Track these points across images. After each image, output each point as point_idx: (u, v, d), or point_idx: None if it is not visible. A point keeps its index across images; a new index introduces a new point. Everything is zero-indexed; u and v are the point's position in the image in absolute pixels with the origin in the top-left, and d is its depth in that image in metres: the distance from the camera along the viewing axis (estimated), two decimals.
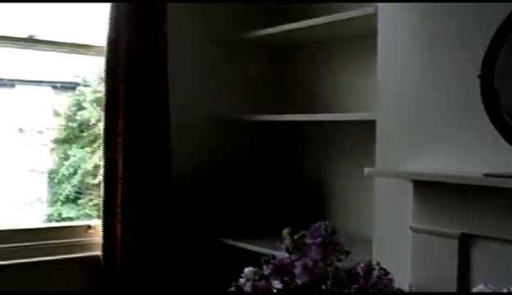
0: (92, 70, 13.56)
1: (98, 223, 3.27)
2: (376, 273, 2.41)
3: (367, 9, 3.10)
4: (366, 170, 2.85)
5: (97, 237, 3.25)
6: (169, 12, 3.31)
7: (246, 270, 2.39)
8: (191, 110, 3.58)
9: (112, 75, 3.18)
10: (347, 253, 2.42)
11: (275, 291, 2.32)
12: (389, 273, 2.43)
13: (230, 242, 3.42)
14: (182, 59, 3.49)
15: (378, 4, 3.00)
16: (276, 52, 3.89)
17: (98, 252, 3.22)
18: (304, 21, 3.36)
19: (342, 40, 3.60)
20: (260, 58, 3.87)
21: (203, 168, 3.62)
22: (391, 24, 2.99)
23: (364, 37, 3.34)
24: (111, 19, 3.16)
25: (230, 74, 3.76)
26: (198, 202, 3.60)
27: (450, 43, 2.78)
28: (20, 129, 14.91)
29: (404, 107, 2.90)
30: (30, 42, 3.41)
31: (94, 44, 3.50)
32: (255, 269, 2.38)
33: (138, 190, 3.21)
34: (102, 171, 3.19)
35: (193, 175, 3.57)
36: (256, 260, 2.41)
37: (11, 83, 14.34)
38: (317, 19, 3.31)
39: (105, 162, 3.16)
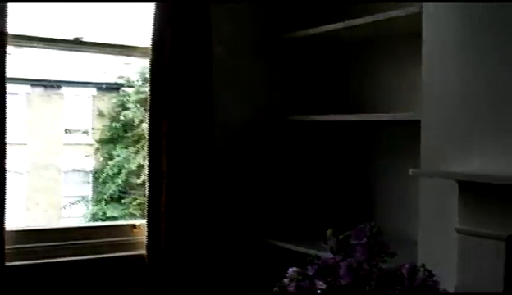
0: (136, 71, 13.73)
1: (142, 222, 3.29)
2: (421, 274, 2.39)
3: (411, 9, 3.08)
4: (411, 170, 2.83)
5: (142, 236, 3.28)
6: (212, 12, 3.33)
7: (290, 270, 2.39)
8: (237, 110, 3.58)
9: (157, 76, 3.21)
10: (392, 254, 2.40)
11: (319, 291, 2.31)
12: (434, 275, 2.41)
13: (278, 243, 3.42)
14: (226, 58, 3.50)
15: (422, 4, 2.98)
16: (320, 51, 3.88)
17: (143, 251, 3.25)
18: (348, 21, 3.34)
19: (386, 39, 3.58)
20: (304, 58, 3.86)
21: (249, 168, 3.63)
22: (435, 24, 2.96)
23: (408, 36, 3.32)
24: (155, 20, 3.19)
25: (273, 74, 3.76)
26: (246, 203, 3.61)
27: (493, 42, 2.75)
28: (66, 130, 15.20)
29: (449, 107, 2.88)
30: (76, 44, 3.45)
31: (139, 45, 3.53)
32: (299, 269, 2.38)
33: (182, 189, 3.24)
34: (146, 171, 3.22)
35: (239, 176, 3.58)
36: (303, 260, 2.41)
37: (57, 84, 14.63)
38: (361, 18, 3.30)
39: (149, 162, 3.19)
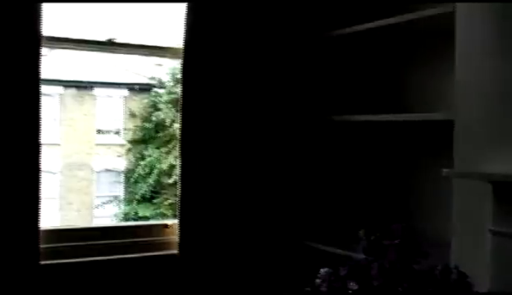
0: (167, 72, 13.74)
1: (174, 222, 3.31)
2: (454, 276, 2.37)
3: (444, 8, 3.05)
4: (444, 171, 2.81)
5: (174, 236, 3.29)
6: (251, 10, 3.31)
7: (322, 270, 2.39)
8: (279, 109, 3.55)
9: (189, 77, 3.22)
10: (425, 255, 2.38)
11: (350, 292, 2.31)
12: (467, 276, 2.39)
13: (316, 245, 3.41)
14: (268, 57, 3.47)
15: (456, 3, 2.95)
16: (364, 49, 3.83)
17: (175, 251, 3.27)
18: (381, 20, 3.32)
19: (419, 38, 3.55)
20: (346, 57, 3.82)
21: (290, 169, 3.60)
22: (469, 23, 2.93)
23: (441, 35, 3.29)
24: (187, 20, 3.19)
25: (315, 73, 3.72)
26: (286, 204, 3.59)
27: None
28: (99, 130, 15.30)
29: (483, 107, 2.85)
30: (109, 45, 3.47)
31: (171, 46, 3.55)
32: (331, 270, 2.38)
33: (214, 189, 3.24)
34: (178, 171, 3.23)
35: (280, 176, 3.56)
36: (340, 263, 2.40)
37: (89, 85, 14.73)
38: (394, 18, 3.27)
39: (182, 162, 3.20)
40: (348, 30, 3.48)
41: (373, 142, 3.80)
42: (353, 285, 2.33)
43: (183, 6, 3.19)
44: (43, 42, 2.79)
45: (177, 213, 3.21)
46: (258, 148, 3.40)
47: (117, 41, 3.47)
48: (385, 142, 3.76)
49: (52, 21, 3.15)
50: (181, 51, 3.19)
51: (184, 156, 3.20)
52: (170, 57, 3.54)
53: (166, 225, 3.36)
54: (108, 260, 3.13)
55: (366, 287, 2.32)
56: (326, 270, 2.39)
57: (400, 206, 3.59)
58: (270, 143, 3.47)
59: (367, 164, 3.84)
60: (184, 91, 3.19)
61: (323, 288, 2.31)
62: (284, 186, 3.52)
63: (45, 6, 2.77)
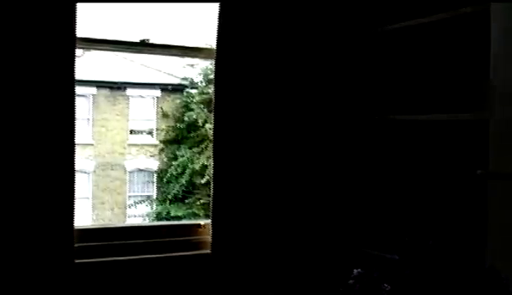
0: (199, 73, 13.76)
1: (207, 222, 3.31)
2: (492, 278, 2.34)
3: (478, 7, 3.01)
4: (479, 171, 2.77)
5: (206, 236, 3.30)
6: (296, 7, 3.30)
7: (355, 271, 2.38)
8: (332, 108, 3.52)
9: (222, 77, 3.22)
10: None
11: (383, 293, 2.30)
12: (503, 278, 2.35)
13: (373, 252, 3.37)
14: (318, 55, 3.44)
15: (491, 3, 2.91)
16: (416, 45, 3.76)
17: (208, 251, 3.28)
18: (420, 19, 3.27)
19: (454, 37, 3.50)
20: (399, 52, 3.74)
21: (345, 170, 3.57)
22: (503, 22, 2.89)
23: (474, 35, 3.25)
24: (219, 20, 3.20)
25: (369, 71, 3.66)
26: (341, 207, 3.56)
27: None
28: (131, 131, 15.40)
29: None
30: (143, 46, 3.50)
31: (204, 47, 3.55)
32: (363, 270, 2.37)
33: (247, 189, 3.24)
34: (210, 171, 3.24)
35: (333, 178, 3.54)
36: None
37: (122, 86, 14.85)
38: (429, 17, 3.24)
39: (215, 162, 3.20)
40: (400, 25, 3.41)
41: (416, 141, 3.71)
42: (386, 286, 2.32)
43: (215, 6, 3.19)
44: (78, 43, 2.82)
45: (210, 213, 3.21)
46: (294, 148, 3.39)
47: (151, 42, 3.49)
48: (424, 142, 3.69)
49: (87, 23, 3.18)
50: (214, 51, 3.19)
51: (217, 156, 3.20)
52: (203, 58, 3.55)
53: (199, 225, 3.37)
54: (141, 259, 3.15)
55: (399, 288, 2.30)
56: (358, 270, 2.38)
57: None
58: (308, 143, 3.45)
59: (413, 164, 3.76)
60: (217, 91, 3.19)
61: (356, 288, 2.30)
62: (317, 186, 3.51)
63: (80, 7, 2.79)
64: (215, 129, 3.19)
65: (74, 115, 2.78)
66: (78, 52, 2.85)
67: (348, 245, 3.53)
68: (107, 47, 3.50)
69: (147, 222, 13.21)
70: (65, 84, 2.73)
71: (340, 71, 3.56)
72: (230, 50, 3.18)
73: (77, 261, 2.85)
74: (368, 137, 3.68)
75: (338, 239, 3.52)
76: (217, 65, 3.18)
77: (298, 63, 3.38)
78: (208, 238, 3.23)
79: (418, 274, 2.26)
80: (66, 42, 2.74)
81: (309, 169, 3.46)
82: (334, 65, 3.52)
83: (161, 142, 14.21)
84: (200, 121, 12.59)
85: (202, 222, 3.36)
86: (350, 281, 2.36)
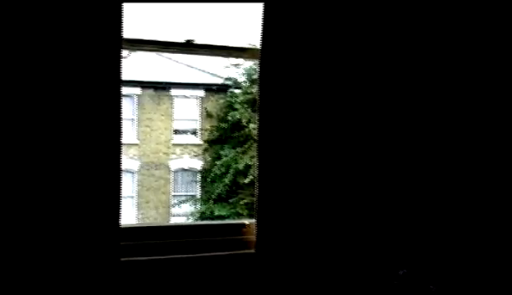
0: (242, 73, 13.79)
1: (252, 221, 3.32)
2: None
3: None
4: None
5: (251, 235, 3.31)
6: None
7: (400, 271, 2.37)
8: (373, 109, 3.49)
9: (266, 77, 3.22)
10: None
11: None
12: None
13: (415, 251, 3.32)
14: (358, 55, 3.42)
15: None
16: None
17: (252, 250, 3.28)
18: None
19: None
20: None
21: (372, 169, 3.55)
22: None
23: None
24: (264, 20, 3.19)
25: None
26: (360, 204, 3.54)
27: None
28: (176, 130, 15.52)
29: None
30: (188, 47, 3.51)
31: (248, 47, 3.56)
32: (409, 271, 2.36)
33: (292, 189, 3.24)
34: (255, 171, 3.24)
35: (360, 177, 3.51)
36: None
37: (166, 86, 14.96)
38: None
39: (259, 162, 3.20)
40: None
41: None
42: (432, 288, 2.30)
43: (259, 5, 3.19)
44: (124, 44, 2.85)
45: (255, 212, 3.22)
46: (338, 147, 3.36)
47: (196, 42, 3.50)
48: None
49: (132, 24, 3.21)
50: (258, 51, 3.18)
51: (261, 155, 3.20)
52: (247, 58, 3.55)
53: (243, 225, 3.37)
54: (186, 258, 3.16)
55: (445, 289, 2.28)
56: (404, 270, 2.37)
57: None
58: (352, 142, 3.42)
59: None
60: (261, 91, 3.19)
61: (402, 289, 2.29)
62: (361, 185, 3.48)
63: (125, 9, 2.82)
64: (259, 128, 3.19)
65: (120, 116, 2.80)
66: (124, 52, 2.88)
67: (393, 245, 3.50)
68: (153, 48, 3.52)
69: (191, 221, 13.30)
70: (111, 85, 2.76)
71: (377, 69, 3.53)
72: (274, 50, 3.18)
73: (123, 259, 2.88)
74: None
75: (383, 239, 3.50)
76: (261, 65, 3.17)
77: (342, 62, 3.36)
78: (253, 237, 3.23)
79: (463, 276, 2.23)
80: (113, 43, 2.77)
81: (354, 168, 3.44)
82: (375, 66, 3.50)
83: (205, 141, 14.30)
84: (244, 121, 12.64)
85: (246, 221, 3.36)
86: (395, 282, 2.35)
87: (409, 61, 3.49)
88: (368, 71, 3.44)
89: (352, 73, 3.40)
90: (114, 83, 2.77)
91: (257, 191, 3.18)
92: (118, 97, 2.80)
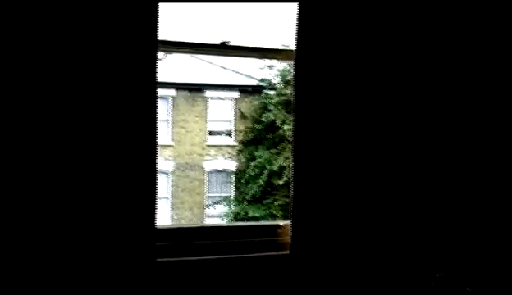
0: (276, 74, 13.78)
1: (287, 223, 3.31)
2: None
3: None
4: None
5: (286, 236, 3.30)
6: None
7: (437, 274, 2.35)
8: (407, 108, 3.46)
9: (302, 78, 3.22)
10: None
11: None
12: None
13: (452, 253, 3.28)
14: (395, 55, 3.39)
15: None
16: None
17: (287, 252, 3.28)
18: None
19: None
20: None
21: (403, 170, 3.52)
22: None
23: None
24: (299, 21, 3.19)
25: None
26: (396, 205, 3.50)
27: None
28: (210, 132, 15.59)
29: None
30: (223, 48, 3.52)
31: (283, 48, 3.56)
32: (445, 274, 2.33)
33: (327, 191, 3.23)
34: (289, 172, 3.24)
35: (393, 179, 3.48)
36: None
37: (201, 87, 15.03)
38: None
39: (294, 163, 3.20)
40: None
41: None
42: (468, 290, 2.28)
43: (294, 7, 3.18)
44: (160, 46, 2.87)
45: (290, 214, 3.21)
46: (374, 148, 3.34)
47: (230, 44, 3.51)
48: None
49: (168, 26, 3.23)
50: (294, 52, 3.18)
51: (297, 157, 3.19)
52: (281, 59, 3.55)
53: (278, 226, 3.37)
54: (220, 259, 3.17)
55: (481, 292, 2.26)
56: (440, 273, 2.35)
57: None
58: (388, 143, 3.39)
59: None
60: (296, 92, 3.18)
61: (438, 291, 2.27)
62: (397, 186, 3.45)
63: (161, 11, 2.83)
64: (294, 129, 3.19)
65: (156, 117, 2.83)
66: (159, 54, 2.90)
67: (430, 247, 3.46)
68: (189, 50, 3.53)
69: (225, 222, 13.33)
70: (147, 87, 2.78)
71: (417, 69, 3.50)
72: (309, 50, 3.17)
73: (158, 260, 2.89)
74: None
75: (420, 241, 3.46)
76: (296, 65, 3.17)
77: (378, 62, 3.34)
78: (288, 238, 3.23)
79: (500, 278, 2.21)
80: (149, 45, 2.79)
81: (390, 168, 3.42)
82: (412, 66, 3.47)
83: (239, 143, 14.33)
84: (278, 122, 12.64)
85: (281, 223, 3.36)
86: (432, 284, 2.33)
87: (444, 62, 3.46)
88: (403, 71, 3.41)
89: (388, 73, 3.37)
90: (150, 84, 2.80)
91: (292, 192, 3.18)
92: (154, 98, 2.82)
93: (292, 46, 3.21)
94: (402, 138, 3.41)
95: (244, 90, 15.04)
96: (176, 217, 14.61)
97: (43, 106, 2.62)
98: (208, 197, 15.06)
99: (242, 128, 14.42)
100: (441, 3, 3.48)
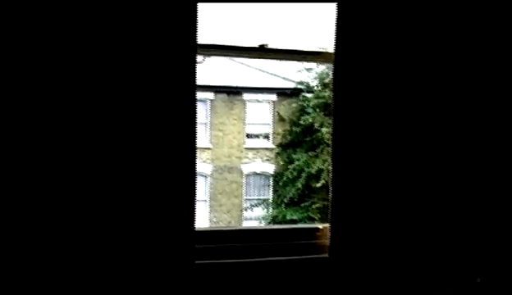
0: (314, 77, 13.78)
1: (326, 225, 3.30)
2: None
3: None
4: None
5: (325, 239, 3.29)
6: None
7: (478, 279, 2.32)
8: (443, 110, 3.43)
9: (341, 80, 3.20)
10: None
11: None
12: None
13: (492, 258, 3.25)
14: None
15: None
16: None
17: (326, 255, 3.26)
18: None
19: None
20: None
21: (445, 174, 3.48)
22: None
23: None
24: (338, 22, 3.17)
25: None
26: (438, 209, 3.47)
27: None
28: (248, 135, 15.65)
29: None
30: (263, 51, 3.53)
31: (323, 50, 3.55)
32: (486, 279, 2.30)
33: (366, 193, 3.21)
34: (328, 175, 3.23)
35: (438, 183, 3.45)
36: None
37: (239, 90, 15.10)
38: None
39: (333, 166, 3.19)
40: None
41: None
42: None
43: (333, 8, 3.16)
44: (199, 49, 2.88)
45: (329, 217, 3.20)
46: (414, 151, 3.31)
47: (269, 47, 3.51)
48: None
49: (206, 29, 3.25)
50: (332, 54, 3.16)
51: (335, 159, 3.18)
52: (321, 62, 3.54)
53: (317, 229, 3.36)
54: (259, 261, 3.17)
55: None
56: (482, 278, 2.32)
57: None
58: (428, 146, 3.36)
59: None
60: (335, 95, 3.17)
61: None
62: (436, 188, 3.42)
63: (199, 15, 2.85)
64: (333, 132, 3.17)
65: (195, 120, 2.84)
66: (199, 58, 2.91)
67: (470, 252, 3.42)
68: (228, 53, 3.55)
69: (263, 225, 13.34)
70: (187, 90, 2.80)
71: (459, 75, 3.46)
72: (348, 52, 3.15)
73: (197, 262, 2.91)
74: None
75: (460, 245, 3.42)
76: (335, 68, 3.16)
77: (419, 64, 3.31)
78: (327, 241, 3.22)
79: None
80: (189, 49, 2.81)
81: (431, 172, 3.39)
82: (453, 67, 3.43)
83: (277, 145, 14.35)
84: (316, 125, 12.62)
85: (320, 226, 3.35)
86: (472, 289, 2.30)
87: (488, 63, 3.41)
88: (445, 73, 3.38)
89: (429, 74, 3.34)
90: (189, 87, 2.81)
91: (331, 195, 3.16)
92: (193, 101, 2.84)
93: (331, 48, 3.20)
94: (444, 138, 3.38)
95: (282, 93, 15.06)
96: (214, 220, 14.68)
97: (87, 108, 2.65)
98: (246, 199, 15.11)
99: (280, 131, 14.44)
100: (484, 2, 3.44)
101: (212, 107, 15.03)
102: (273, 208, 13.98)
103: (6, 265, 2.57)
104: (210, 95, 14.79)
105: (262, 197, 15.03)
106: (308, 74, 13.44)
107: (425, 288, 3.35)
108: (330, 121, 3.23)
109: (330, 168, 3.20)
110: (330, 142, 3.25)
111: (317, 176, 12.65)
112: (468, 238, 3.44)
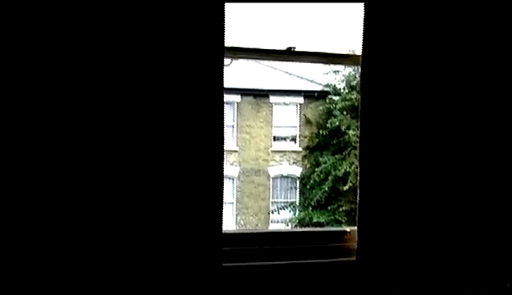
0: (341, 79, 13.75)
1: (354, 229, 3.29)
2: None
3: None
4: None
5: (352, 243, 3.28)
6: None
7: (508, 284, 2.29)
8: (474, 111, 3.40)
9: (368, 83, 3.19)
10: None
11: None
12: None
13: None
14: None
15: None
16: None
17: (353, 258, 3.25)
18: None
19: None
20: None
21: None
22: None
23: None
24: (365, 23, 3.16)
25: None
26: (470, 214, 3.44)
27: None
28: (275, 137, 15.67)
29: None
30: (290, 54, 3.51)
31: (350, 53, 3.53)
32: None
33: (394, 197, 3.19)
34: (357, 178, 3.20)
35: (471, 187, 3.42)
36: None
37: (266, 93, 15.10)
38: None
39: (360, 169, 3.17)
40: None
41: None
42: None
43: (360, 6, 3.14)
44: (226, 52, 2.89)
45: (356, 220, 3.19)
46: (443, 154, 3.28)
47: (297, 49, 3.50)
48: None
49: (233, 32, 3.25)
50: (360, 57, 3.15)
51: (363, 162, 3.16)
52: (348, 64, 3.53)
53: (345, 232, 3.35)
54: (286, 264, 3.17)
55: None
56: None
57: None
58: (455, 148, 3.33)
59: None
60: (363, 97, 3.16)
61: None
62: (467, 190, 3.38)
63: (227, 17, 2.85)
64: (361, 135, 3.16)
65: (223, 123, 2.85)
66: (226, 60, 2.92)
67: (501, 256, 3.38)
68: (255, 56, 3.55)
69: (289, 228, 13.34)
70: (214, 93, 2.81)
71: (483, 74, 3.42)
72: (376, 54, 3.14)
73: (224, 265, 2.91)
74: None
75: (491, 249, 3.38)
76: (362, 70, 3.14)
77: (448, 66, 3.28)
78: (354, 245, 3.20)
79: None
80: (216, 51, 2.82)
81: (461, 175, 3.36)
82: (482, 69, 3.40)
83: (304, 148, 14.35)
84: (343, 127, 12.59)
85: (348, 229, 3.33)
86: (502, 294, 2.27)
87: None
88: (475, 75, 3.34)
89: (459, 77, 3.31)
90: (217, 90, 2.82)
91: (358, 198, 3.15)
92: (221, 104, 2.84)
93: (358, 51, 3.19)
94: (473, 140, 3.34)
95: (308, 95, 15.04)
96: (241, 222, 14.70)
97: (117, 110, 2.67)
98: (273, 202, 15.11)
99: (307, 133, 14.43)
100: None
101: (239, 110, 15.06)
102: (300, 211, 13.97)
103: (16, 266, 2.60)
104: (237, 98, 14.81)
105: (288, 200, 15.03)
106: (335, 76, 13.41)
107: (455, 292, 3.31)
108: (357, 124, 3.22)
109: (357, 171, 3.19)
110: (357, 145, 3.23)
111: (344, 179, 12.62)
112: (499, 243, 3.40)
